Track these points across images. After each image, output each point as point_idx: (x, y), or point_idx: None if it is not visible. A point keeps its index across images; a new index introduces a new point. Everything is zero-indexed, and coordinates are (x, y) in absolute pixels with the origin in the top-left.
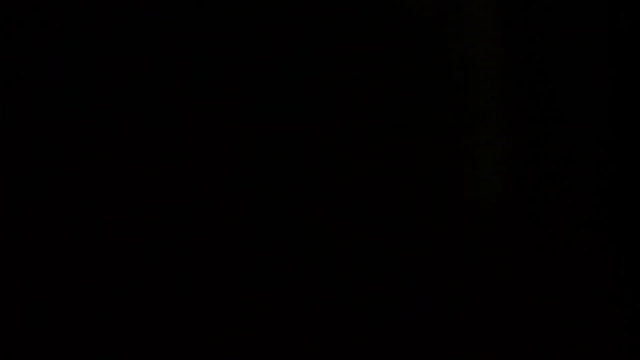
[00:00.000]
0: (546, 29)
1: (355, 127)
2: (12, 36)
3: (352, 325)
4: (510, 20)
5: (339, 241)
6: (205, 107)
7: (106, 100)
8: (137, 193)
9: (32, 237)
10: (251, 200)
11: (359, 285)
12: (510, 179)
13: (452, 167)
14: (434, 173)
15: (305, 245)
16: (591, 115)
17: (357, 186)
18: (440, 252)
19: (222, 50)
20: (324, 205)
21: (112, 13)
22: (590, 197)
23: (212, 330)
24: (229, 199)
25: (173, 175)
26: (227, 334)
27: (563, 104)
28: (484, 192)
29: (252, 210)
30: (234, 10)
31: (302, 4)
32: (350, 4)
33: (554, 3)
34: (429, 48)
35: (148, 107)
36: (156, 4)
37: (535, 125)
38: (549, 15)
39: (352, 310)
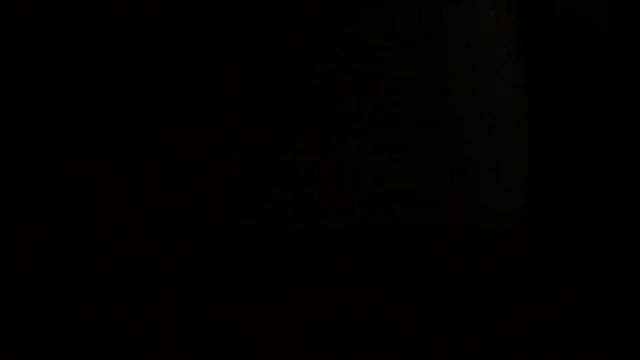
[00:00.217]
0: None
1: (364, 133)
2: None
3: (352, 326)
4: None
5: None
6: (205, 107)
7: (106, 100)
8: (137, 193)
9: (32, 237)
10: (251, 199)
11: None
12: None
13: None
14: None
15: (306, 246)
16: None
17: (364, 194)
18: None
19: (222, 50)
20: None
21: (112, 13)
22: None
23: (212, 330)
24: (228, 199)
25: (173, 175)
26: (227, 334)
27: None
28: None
29: (251, 210)
30: (234, 11)
31: (303, 4)
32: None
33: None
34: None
35: (148, 106)
36: (156, 4)
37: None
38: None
39: (354, 315)
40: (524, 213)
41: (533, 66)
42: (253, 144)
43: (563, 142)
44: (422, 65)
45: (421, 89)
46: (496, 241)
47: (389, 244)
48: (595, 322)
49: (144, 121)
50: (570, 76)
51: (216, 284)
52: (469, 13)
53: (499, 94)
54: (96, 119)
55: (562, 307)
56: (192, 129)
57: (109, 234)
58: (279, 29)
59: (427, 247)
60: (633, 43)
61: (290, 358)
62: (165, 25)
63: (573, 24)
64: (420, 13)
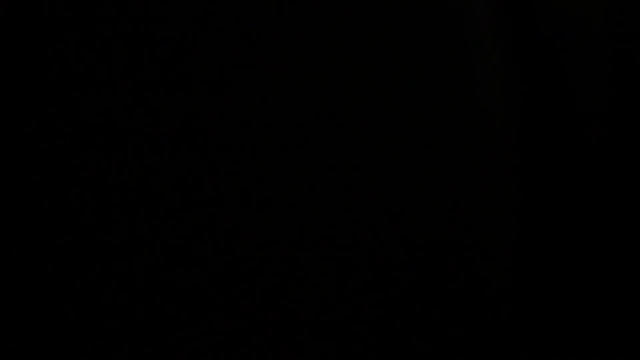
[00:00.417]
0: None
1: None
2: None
3: (351, 327)
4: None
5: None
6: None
7: (105, 99)
8: (137, 192)
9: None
10: (251, 199)
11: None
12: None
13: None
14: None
15: (307, 247)
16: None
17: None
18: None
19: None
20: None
21: (112, 14)
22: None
23: (212, 330)
24: (229, 199)
25: (172, 174)
26: (227, 333)
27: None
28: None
29: (251, 210)
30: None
31: (302, 5)
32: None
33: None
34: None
35: (148, 105)
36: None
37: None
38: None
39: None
40: (517, 215)
41: (525, 64)
42: (253, 143)
43: (556, 141)
44: (412, 65)
45: (410, 88)
46: (489, 244)
47: (383, 246)
48: (591, 322)
49: (143, 120)
50: (563, 74)
51: (216, 283)
52: (460, 11)
53: (490, 93)
54: (95, 119)
55: (555, 310)
56: (191, 128)
57: (108, 233)
58: (275, 26)
59: (421, 251)
60: (627, 41)
61: (289, 358)
62: (164, 24)
63: (565, 21)
64: (412, 10)
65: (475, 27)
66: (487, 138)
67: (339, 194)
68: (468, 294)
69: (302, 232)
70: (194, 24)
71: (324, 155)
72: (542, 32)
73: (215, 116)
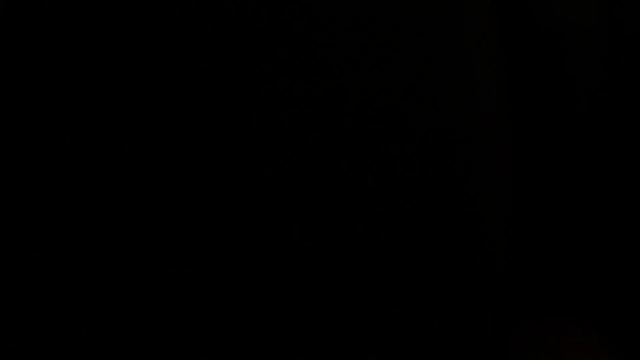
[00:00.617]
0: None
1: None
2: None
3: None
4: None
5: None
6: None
7: (105, 99)
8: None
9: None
10: (250, 199)
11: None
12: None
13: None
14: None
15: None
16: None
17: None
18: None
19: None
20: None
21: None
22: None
23: (212, 330)
24: (229, 199)
25: (172, 174)
26: (226, 333)
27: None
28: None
29: (251, 210)
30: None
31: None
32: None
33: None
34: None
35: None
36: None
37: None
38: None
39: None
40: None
41: (518, 64)
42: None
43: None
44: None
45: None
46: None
47: (382, 245)
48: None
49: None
50: (559, 73)
51: (215, 283)
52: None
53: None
54: (95, 119)
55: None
56: (189, 127)
57: (107, 232)
58: (273, 26)
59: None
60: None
61: (289, 358)
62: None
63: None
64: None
65: (474, 27)
66: (485, 136)
67: (338, 192)
68: (465, 291)
69: (301, 230)
70: (194, 24)
71: (323, 153)
72: (540, 30)
73: (216, 116)
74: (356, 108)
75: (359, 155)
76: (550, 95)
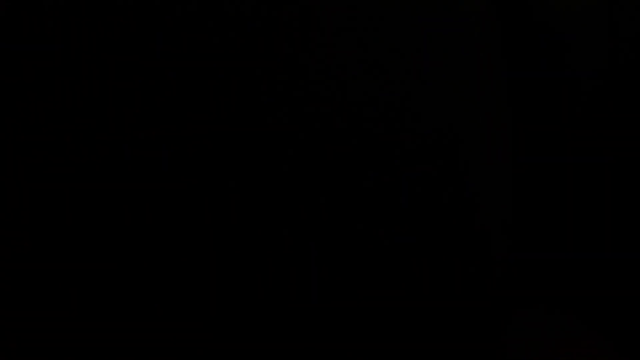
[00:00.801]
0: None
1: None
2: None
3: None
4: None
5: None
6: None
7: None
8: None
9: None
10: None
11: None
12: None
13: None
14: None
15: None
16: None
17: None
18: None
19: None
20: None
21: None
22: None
23: (212, 330)
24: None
25: (172, 174)
26: (226, 333)
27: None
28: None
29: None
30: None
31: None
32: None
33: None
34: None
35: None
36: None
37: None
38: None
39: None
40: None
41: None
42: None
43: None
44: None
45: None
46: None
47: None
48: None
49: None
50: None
51: (216, 283)
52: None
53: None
54: (95, 117)
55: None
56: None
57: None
58: (274, 28)
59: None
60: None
61: (289, 358)
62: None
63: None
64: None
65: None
66: (486, 134)
67: (337, 191)
68: (464, 291)
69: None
70: (194, 24)
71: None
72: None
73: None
74: (355, 108)
75: (357, 156)
76: (550, 95)
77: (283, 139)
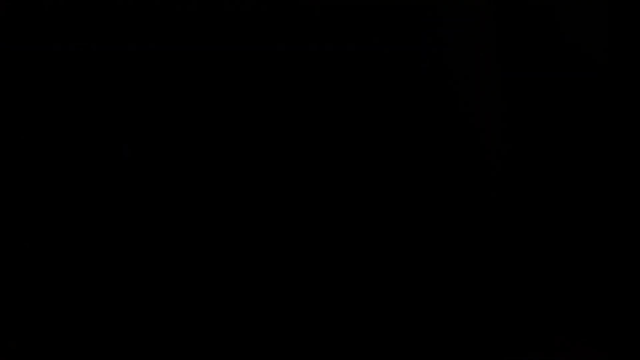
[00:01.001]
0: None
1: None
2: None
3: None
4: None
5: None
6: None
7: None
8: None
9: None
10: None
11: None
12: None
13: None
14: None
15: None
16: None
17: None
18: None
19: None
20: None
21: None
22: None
23: (212, 330)
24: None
25: (173, 175)
26: (226, 333)
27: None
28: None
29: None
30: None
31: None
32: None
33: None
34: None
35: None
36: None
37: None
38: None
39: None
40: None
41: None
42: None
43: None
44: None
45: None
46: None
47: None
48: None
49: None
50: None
51: (216, 283)
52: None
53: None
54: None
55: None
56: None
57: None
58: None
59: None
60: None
61: (289, 358)
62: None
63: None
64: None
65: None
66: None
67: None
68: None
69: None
70: (194, 23)
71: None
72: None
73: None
74: (354, 108)
75: (356, 156)
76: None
77: (283, 140)
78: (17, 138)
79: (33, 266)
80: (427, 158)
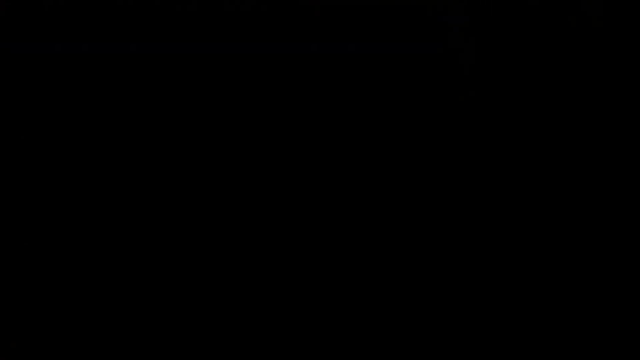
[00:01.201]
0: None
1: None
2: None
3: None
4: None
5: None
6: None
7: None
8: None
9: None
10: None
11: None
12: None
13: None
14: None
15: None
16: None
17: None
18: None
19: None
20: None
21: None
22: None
23: (212, 330)
24: (231, 200)
25: (174, 175)
26: (226, 334)
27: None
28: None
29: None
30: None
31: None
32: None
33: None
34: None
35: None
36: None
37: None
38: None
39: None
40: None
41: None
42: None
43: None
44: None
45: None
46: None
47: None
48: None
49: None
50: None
51: (216, 283)
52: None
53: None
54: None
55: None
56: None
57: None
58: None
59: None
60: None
61: (289, 358)
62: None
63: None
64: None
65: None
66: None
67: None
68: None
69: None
70: (194, 23)
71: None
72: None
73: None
74: (353, 107)
75: (354, 156)
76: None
77: (283, 140)
78: (17, 138)
79: (33, 266)
80: (427, 158)
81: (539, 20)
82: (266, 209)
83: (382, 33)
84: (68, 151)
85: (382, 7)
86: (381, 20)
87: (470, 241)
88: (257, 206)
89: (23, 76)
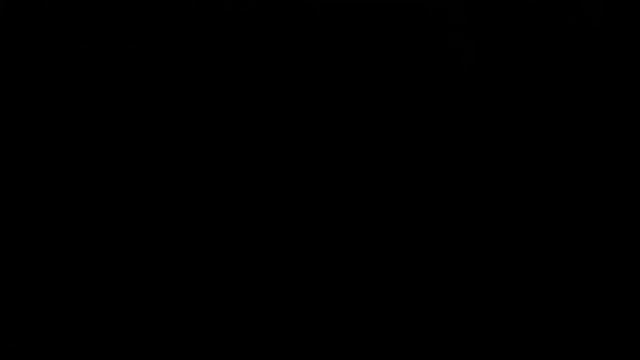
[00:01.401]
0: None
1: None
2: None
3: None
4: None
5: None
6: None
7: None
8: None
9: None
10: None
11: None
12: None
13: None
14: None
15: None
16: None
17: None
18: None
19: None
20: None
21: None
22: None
23: (212, 330)
24: (231, 201)
25: (175, 175)
26: (227, 333)
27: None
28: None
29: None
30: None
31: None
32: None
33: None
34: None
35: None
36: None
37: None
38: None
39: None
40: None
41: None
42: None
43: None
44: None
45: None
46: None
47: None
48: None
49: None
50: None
51: (216, 283)
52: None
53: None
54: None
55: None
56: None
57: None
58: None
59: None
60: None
61: (289, 358)
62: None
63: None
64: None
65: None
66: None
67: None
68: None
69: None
70: (193, 23)
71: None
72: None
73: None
74: (352, 107)
75: (353, 157)
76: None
77: (283, 140)
78: (17, 138)
79: (33, 266)
80: (428, 158)
81: (539, 20)
82: (266, 209)
83: (382, 33)
84: (68, 151)
85: (382, 7)
86: (381, 20)
87: (470, 241)
88: (258, 206)
89: (23, 76)
